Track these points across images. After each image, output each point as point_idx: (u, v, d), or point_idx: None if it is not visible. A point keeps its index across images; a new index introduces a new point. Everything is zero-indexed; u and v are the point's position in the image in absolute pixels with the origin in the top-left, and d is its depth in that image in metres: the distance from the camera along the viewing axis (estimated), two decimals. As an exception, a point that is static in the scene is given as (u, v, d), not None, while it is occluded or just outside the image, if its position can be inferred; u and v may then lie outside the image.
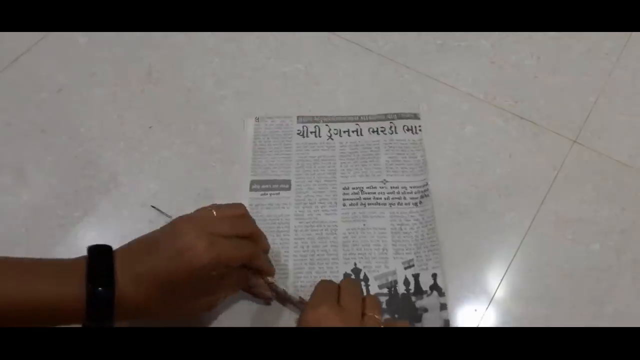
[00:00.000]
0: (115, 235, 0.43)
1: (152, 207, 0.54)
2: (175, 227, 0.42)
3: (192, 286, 0.41)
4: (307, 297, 0.46)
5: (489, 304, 0.50)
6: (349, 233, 0.53)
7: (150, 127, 0.60)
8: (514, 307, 0.50)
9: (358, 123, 0.60)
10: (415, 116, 0.60)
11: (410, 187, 0.55)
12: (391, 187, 0.55)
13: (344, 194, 0.55)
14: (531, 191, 0.56)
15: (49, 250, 0.51)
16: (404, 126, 0.59)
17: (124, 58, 0.65)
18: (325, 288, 0.45)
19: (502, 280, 0.51)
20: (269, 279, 0.48)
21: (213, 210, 0.44)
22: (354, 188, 0.55)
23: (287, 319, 0.49)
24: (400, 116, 0.60)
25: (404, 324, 0.44)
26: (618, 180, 0.56)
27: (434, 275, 0.50)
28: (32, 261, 0.40)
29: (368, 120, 0.60)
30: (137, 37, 0.66)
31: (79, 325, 0.40)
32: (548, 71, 0.64)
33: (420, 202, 0.54)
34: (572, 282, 0.51)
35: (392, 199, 0.55)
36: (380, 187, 0.55)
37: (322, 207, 0.55)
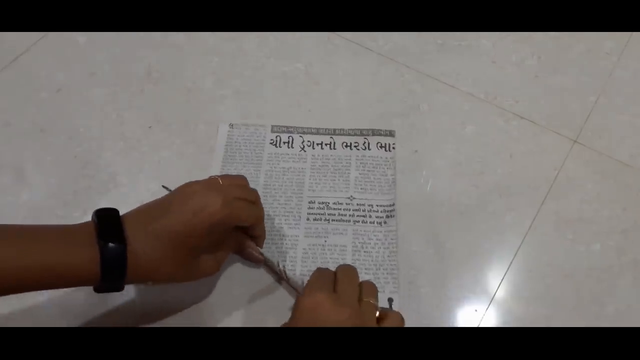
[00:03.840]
0: (115, 235, 0.43)
1: (163, 186, 0.55)
2: (186, 190, 0.44)
3: (204, 243, 0.44)
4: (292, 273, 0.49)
5: (490, 304, 0.50)
6: (310, 249, 0.52)
7: (150, 127, 0.60)
8: (515, 307, 0.50)
9: (332, 136, 0.59)
10: (391, 133, 0.59)
11: (377, 206, 0.54)
12: (357, 204, 0.54)
13: (309, 207, 0.54)
14: (532, 191, 0.56)
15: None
16: (377, 143, 0.58)
17: (124, 58, 0.65)
18: (321, 275, 0.44)
19: (502, 280, 0.51)
20: (265, 253, 0.50)
21: (219, 179, 0.46)
22: (320, 202, 0.55)
23: (281, 296, 0.50)
24: (375, 132, 0.59)
25: (395, 314, 0.43)
26: (619, 180, 0.56)
27: (390, 300, 0.49)
28: (39, 226, 0.41)
29: (342, 134, 0.59)
30: (137, 37, 0.66)
31: (75, 324, 0.40)
32: (549, 71, 0.64)
33: (385, 222, 0.53)
34: (573, 282, 0.51)
35: (357, 216, 0.54)
36: (347, 204, 0.54)
37: (285, 219, 0.54)
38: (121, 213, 0.43)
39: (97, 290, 0.42)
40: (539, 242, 0.53)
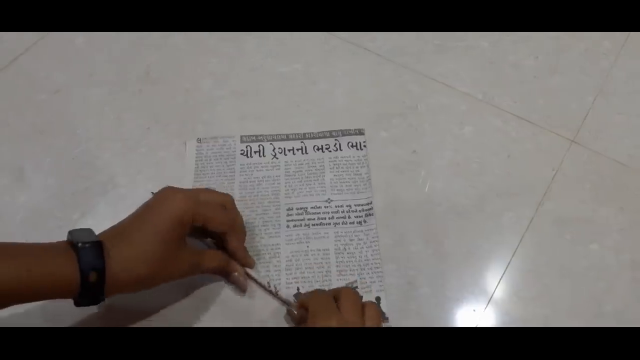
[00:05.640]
0: (114, 236, 0.43)
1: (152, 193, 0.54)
2: (158, 193, 0.46)
3: (175, 237, 0.44)
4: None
5: (488, 304, 0.50)
6: (293, 256, 0.51)
7: (149, 128, 0.60)
8: (513, 307, 0.50)
9: (303, 141, 0.58)
10: (360, 132, 0.59)
11: (355, 205, 0.54)
12: (336, 206, 0.54)
13: (288, 215, 0.54)
14: (530, 191, 0.56)
15: (47, 252, 0.51)
16: (348, 142, 0.58)
17: (122, 58, 0.65)
18: (323, 300, 0.44)
19: (500, 280, 0.51)
20: (248, 270, 0.50)
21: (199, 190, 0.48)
22: (298, 208, 0.54)
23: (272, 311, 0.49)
24: (344, 133, 0.59)
25: None
26: (616, 180, 0.56)
27: (378, 299, 0.49)
28: (14, 243, 0.41)
29: (312, 138, 0.58)
30: (135, 38, 0.66)
31: (75, 323, 0.40)
32: (546, 71, 0.64)
33: (365, 221, 0.53)
34: (571, 282, 0.51)
35: (337, 218, 0.53)
36: (325, 207, 0.54)
37: (265, 229, 0.53)
38: (116, 217, 0.44)
39: (78, 303, 0.41)
40: (537, 242, 0.53)
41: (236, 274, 0.49)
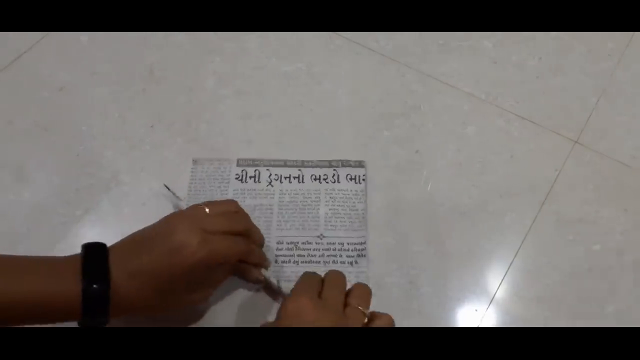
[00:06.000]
0: (116, 234, 0.44)
1: (165, 185, 0.54)
2: (169, 224, 0.42)
3: (186, 282, 0.42)
4: None
5: (490, 304, 0.50)
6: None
7: (152, 126, 0.60)
8: (515, 307, 0.50)
9: (300, 169, 0.56)
10: (361, 164, 0.56)
11: (348, 244, 0.52)
12: (327, 243, 0.52)
13: (278, 249, 0.52)
14: (532, 192, 0.56)
15: (50, 249, 0.52)
16: (347, 175, 0.56)
17: (126, 57, 0.65)
18: (307, 279, 0.44)
19: (502, 280, 0.51)
20: (263, 271, 0.49)
21: (205, 208, 0.44)
22: (288, 243, 0.52)
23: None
24: (344, 164, 0.56)
25: (387, 318, 0.42)
26: (619, 181, 0.56)
27: None
28: (26, 259, 0.41)
29: (311, 167, 0.56)
30: (139, 37, 0.66)
31: (75, 324, 0.40)
32: (550, 71, 0.64)
33: (356, 262, 0.51)
34: (573, 282, 0.51)
35: (327, 256, 0.51)
36: (317, 243, 0.52)
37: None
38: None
39: (81, 324, 0.41)
40: (539, 242, 0.53)
41: (251, 272, 0.49)
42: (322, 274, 0.49)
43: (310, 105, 0.62)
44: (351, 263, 0.51)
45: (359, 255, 0.52)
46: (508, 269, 0.52)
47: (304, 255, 0.52)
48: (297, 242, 0.52)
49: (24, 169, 0.57)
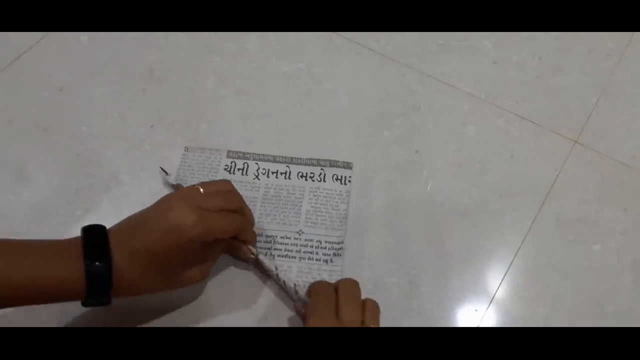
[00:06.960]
0: (117, 233, 0.44)
1: (161, 168, 0.56)
2: (164, 203, 0.43)
3: (183, 258, 0.43)
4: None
5: (490, 304, 0.50)
6: None
7: (152, 126, 0.60)
8: (515, 307, 0.50)
9: (289, 165, 0.57)
10: (348, 165, 0.57)
11: (325, 242, 0.52)
12: (305, 240, 0.52)
13: (257, 241, 0.52)
14: (532, 192, 0.56)
15: (50, 249, 0.52)
16: (333, 175, 0.56)
17: (126, 57, 0.65)
18: (323, 295, 0.44)
19: (502, 280, 0.51)
20: (251, 248, 0.50)
21: (200, 188, 0.45)
22: (267, 236, 0.52)
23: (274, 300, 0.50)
24: (332, 164, 0.57)
25: None
26: (619, 181, 0.56)
27: None
28: (28, 242, 0.42)
29: (299, 164, 0.57)
30: (139, 37, 0.66)
31: (76, 326, 0.41)
32: (550, 71, 0.64)
33: (331, 260, 0.51)
34: (573, 282, 0.51)
35: (304, 252, 0.52)
36: (295, 239, 0.52)
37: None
38: (119, 214, 0.43)
39: (84, 304, 0.42)
40: (539, 242, 0.53)
41: (243, 250, 0.50)
42: (316, 273, 0.51)
43: (310, 105, 0.62)
44: (326, 261, 0.52)
45: (335, 255, 0.52)
46: (508, 269, 0.52)
47: (280, 250, 0.52)
48: (276, 236, 0.53)
49: (24, 169, 0.57)
